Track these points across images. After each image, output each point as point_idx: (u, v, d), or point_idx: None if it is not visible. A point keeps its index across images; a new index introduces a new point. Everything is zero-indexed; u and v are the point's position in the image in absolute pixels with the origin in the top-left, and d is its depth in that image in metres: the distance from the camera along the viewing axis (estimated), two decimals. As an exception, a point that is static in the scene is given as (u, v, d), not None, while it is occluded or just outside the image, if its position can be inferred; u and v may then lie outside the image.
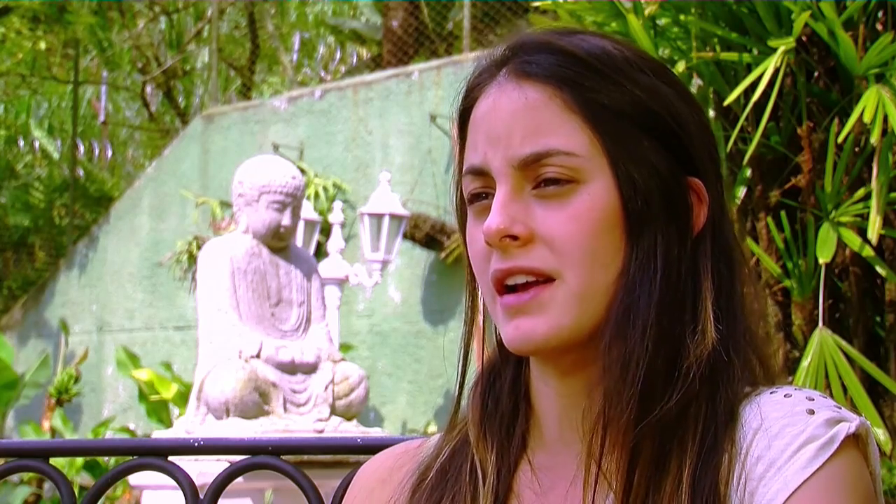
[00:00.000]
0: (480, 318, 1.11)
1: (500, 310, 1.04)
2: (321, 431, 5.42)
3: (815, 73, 4.39)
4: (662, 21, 4.55)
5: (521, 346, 1.03)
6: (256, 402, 5.34)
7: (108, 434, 9.99)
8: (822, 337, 4.01)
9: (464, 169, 1.08)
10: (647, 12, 4.31)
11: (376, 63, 13.34)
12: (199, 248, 9.43)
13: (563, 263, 1.02)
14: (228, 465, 1.55)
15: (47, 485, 10.05)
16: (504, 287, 1.03)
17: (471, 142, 1.07)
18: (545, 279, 1.02)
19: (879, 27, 4.34)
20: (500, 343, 1.11)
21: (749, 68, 4.24)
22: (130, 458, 1.56)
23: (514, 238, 1.02)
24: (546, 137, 1.03)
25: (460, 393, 1.13)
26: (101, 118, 18.39)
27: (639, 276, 1.02)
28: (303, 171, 8.80)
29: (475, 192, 1.06)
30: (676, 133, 1.05)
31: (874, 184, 4.01)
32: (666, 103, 1.05)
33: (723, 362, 1.03)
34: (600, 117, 1.03)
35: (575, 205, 1.02)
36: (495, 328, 1.10)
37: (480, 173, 1.05)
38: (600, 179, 1.03)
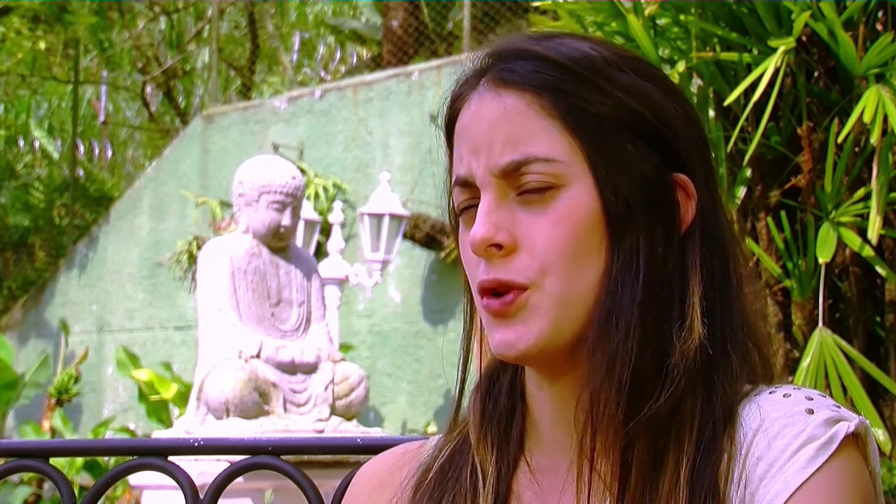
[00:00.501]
0: (479, 321, 1.11)
1: (484, 314, 1.05)
2: (321, 431, 5.42)
3: (815, 73, 4.39)
4: (662, 21, 4.54)
5: (505, 354, 1.04)
6: (256, 402, 5.34)
7: (108, 434, 9.99)
8: (822, 337, 4.00)
9: (452, 181, 1.08)
10: (647, 12, 4.31)
11: (376, 63, 13.34)
12: (199, 248, 9.42)
13: (543, 270, 1.02)
14: (228, 465, 1.55)
15: (47, 485, 10.05)
16: (489, 292, 1.04)
17: (456, 153, 1.08)
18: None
19: (879, 27, 4.34)
20: None
21: (749, 68, 4.23)
22: (130, 458, 1.56)
23: (499, 247, 1.02)
24: (525, 145, 1.02)
25: (461, 395, 1.14)
26: (101, 118, 18.40)
27: (621, 278, 1.02)
28: (303, 171, 8.80)
29: (464, 204, 1.07)
30: (660, 130, 1.05)
31: (874, 184, 4.00)
32: (648, 101, 1.05)
33: (717, 356, 1.03)
34: (580, 121, 1.03)
35: (556, 209, 1.02)
36: None
37: (466, 184, 1.06)
38: (581, 182, 1.02)
